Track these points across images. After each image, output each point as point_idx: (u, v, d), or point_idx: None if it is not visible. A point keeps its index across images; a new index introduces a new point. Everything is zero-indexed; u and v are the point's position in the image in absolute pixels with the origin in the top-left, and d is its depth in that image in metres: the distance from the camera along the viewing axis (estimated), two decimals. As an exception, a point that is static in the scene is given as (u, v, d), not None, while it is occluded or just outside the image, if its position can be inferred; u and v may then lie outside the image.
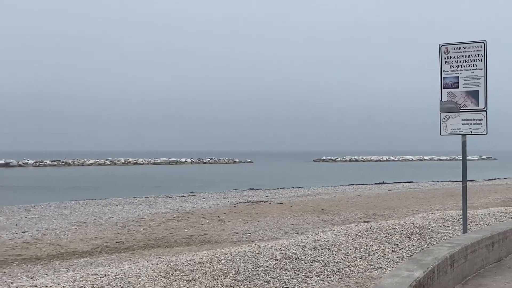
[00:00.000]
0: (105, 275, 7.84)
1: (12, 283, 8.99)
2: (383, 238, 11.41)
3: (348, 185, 42.17)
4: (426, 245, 11.28)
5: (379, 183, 44.94)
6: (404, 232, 11.99)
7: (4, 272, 11.41)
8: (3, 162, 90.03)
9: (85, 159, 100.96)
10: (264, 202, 26.63)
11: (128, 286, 7.49)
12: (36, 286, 7.36)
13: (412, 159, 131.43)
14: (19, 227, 18.92)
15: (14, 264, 12.50)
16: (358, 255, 10.14)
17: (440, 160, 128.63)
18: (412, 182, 45.17)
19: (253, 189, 38.47)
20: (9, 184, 49.04)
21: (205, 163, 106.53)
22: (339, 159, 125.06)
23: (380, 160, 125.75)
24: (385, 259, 10.20)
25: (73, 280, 7.59)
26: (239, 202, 26.88)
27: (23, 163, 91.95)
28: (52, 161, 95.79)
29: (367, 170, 79.48)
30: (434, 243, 11.26)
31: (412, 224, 12.66)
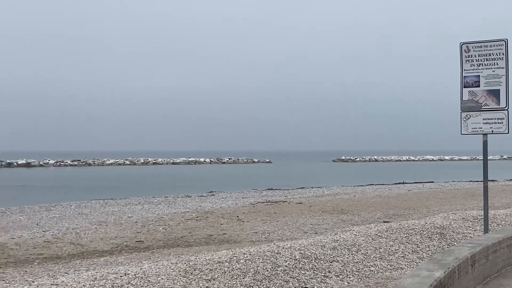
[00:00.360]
0: (125, 274, 7.88)
1: (33, 281, 9.08)
2: (403, 238, 11.34)
3: (368, 185, 41.97)
4: (446, 245, 11.19)
5: (399, 183, 44.66)
6: (425, 233, 11.90)
7: (26, 271, 11.52)
8: (25, 162, 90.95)
9: (105, 159, 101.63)
10: (283, 202, 26.60)
11: (147, 285, 7.52)
12: (57, 284, 7.42)
13: (433, 159, 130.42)
14: (40, 226, 19.09)
15: (35, 263, 12.61)
16: (377, 255, 10.09)
17: (460, 160, 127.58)
18: (433, 182, 44.83)
19: (272, 189, 38.44)
20: (30, 184, 49.54)
21: (223, 163, 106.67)
22: (358, 159, 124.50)
23: (400, 160, 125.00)
24: (405, 260, 10.14)
25: (94, 279, 7.64)
26: (258, 202, 26.88)
27: (44, 163, 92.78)
28: (72, 161, 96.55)
29: (387, 170, 79.06)
30: (455, 243, 11.16)
31: (432, 224, 12.56)
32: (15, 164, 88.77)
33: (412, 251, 10.72)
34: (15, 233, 17.45)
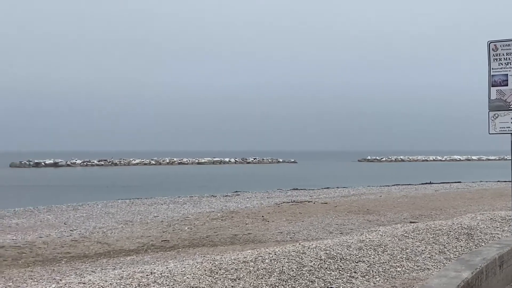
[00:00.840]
0: (151, 273, 7.94)
1: (60, 280, 9.18)
2: (430, 238, 11.25)
3: (394, 185, 41.67)
4: (474, 246, 11.07)
5: (426, 183, 44.26)
6: (452, 233, 11.79)
7: (53, 270, 11.66)
8: (52, 162, 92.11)
9: (131, 159, 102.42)
10: (308, 202, 26.53)
11: (173, 284, 7.56)
12: (84, 283, 7.49)
13: (460, 159, 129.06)
14: (68, 226, 19.31)
15: (63, 262, 12.76)
16: (404, 256, 10.02)
17: (488, 160, 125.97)
18: (460, 182, 44.34)
19: (297, 189, 38.38)
20: (58, 183, 50.17)
21: (248, 163, 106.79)
22: (384, 159, 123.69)
23: (427, 160, 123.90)
24: (432, 260, 10.05)
25: (120, 278, 7.71)
26: (283, 202, 26.85)
27: (71, 162, 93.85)
28: (99, 161, 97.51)
29: (413, 170, 78.42)
30: (483, 244, 11.03)
31: (460, 225, 12.44)
32: (43, 164, 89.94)
33: (439, 251, 10.62)
34: (43, 232, 17.68)
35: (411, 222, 15.99)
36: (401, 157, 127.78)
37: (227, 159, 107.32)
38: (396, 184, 42.24)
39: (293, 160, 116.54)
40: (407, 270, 9.33)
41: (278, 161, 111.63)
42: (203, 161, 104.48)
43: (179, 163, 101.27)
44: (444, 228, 12.07)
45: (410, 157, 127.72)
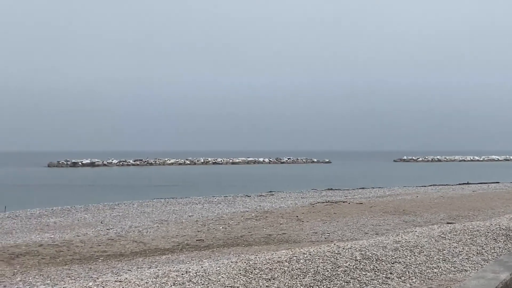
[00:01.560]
0: (186, 272, 7.98)
1: (97, 278, 9.31)
2: (468, 240, 11.07)
3: (430, 185, 41.17)
4: (513, 248, 10.85)
5: (463, 183, 43.61)
6: (490, 234, 11.59)
7: (90, 268, 11.82)
8: (89, 161, 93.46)
9: (166, 159, 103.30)
10: (343, 202, 26.38)
11: (208, 283, 7.59)
12: (120, 281, 7.57)
13: (498, 159, 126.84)
14: (104, 225, 19.56)
15: (100, 260, 12.92)
16: (441, 257, 9.88)
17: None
18: (498, 182, 43.58)
19: (331, 189, 38.21)
20: (95, 183, 50.89)
21: (283, 162, 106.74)
22: (420, 159, 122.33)
23: (464, 160, 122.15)
24: (469, 261, 9.89)
25: (156, 277, 7.76)
26: (318, 202, 26.75)
27: (107, 162, 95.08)
28: (134, 161, 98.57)
29: (450, 170, 77.35)
30: (522, 246, 10.81)
31: (498, 226, 12.22)
32: (80, 163, 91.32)
33: (477, 253, 10.45)
34: (80, 230, 17.95)
35: (448, 223, 15.78)
36: (438, 157, 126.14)
37: (261, 159, 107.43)
38: (433, 185, 41.72)
39: (327, 160, 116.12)
40: (444, 272, 9.20)
41: (312, 161, 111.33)
42: (237, 161, 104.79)
43: (214, 163, 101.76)
44: (482, 229, 11.88)
45: (447, 157, 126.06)
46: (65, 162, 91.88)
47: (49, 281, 10.34)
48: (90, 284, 7.57)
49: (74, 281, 9.98)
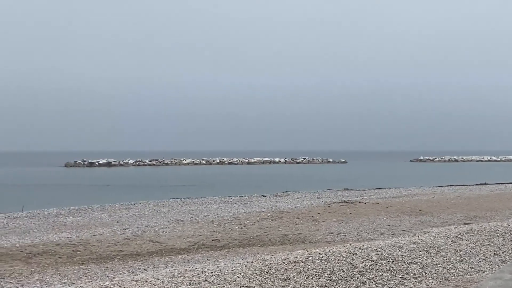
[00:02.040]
0: (202, 271, 8.00)
1: (114, 277, 9.37)
2: (485, 240, 11.00)
3: (447, 185, 40.90)
4: (531, 249, 10.76)
5: (480, 184, 43.26)
6: (507, 235, 11.49)
7: (107, 267, 11.89)
8: (106, 161, 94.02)
9: (182, 159, 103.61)
10: (359, 202, 26.29)
11: (224, 283, 7.60)
12: (136, 281, 7.61)
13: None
14: (121, 224, 19.66)
15: (116, 260, 12.99)
16: (457, 258, 9.82)
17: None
18: (516, 183, 43.20)
19: (347, 189, 38.09)
20: (111, 183, 51.17)
21: (298, 163, 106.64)
22: (437, 159, 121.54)
23: (482, 160, 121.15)
24: (486, 262, 9.82)
25: (172, 276, 7.79)
26: (333, 202, 26.69)
27: (124, 162, 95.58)
28: (151, 161, 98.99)
29: (467, 170, 76.80)
30: (541, 247, 10.71)
31: (516, 227, 12.10)
32: (96, 163, 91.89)
33: (494, 253, 10.37)
34: (96, 230, 18.06)
35: (465, 224, 15.67)
36: (455, 157, 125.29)
37: (276, 159, 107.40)
38: (450, 185, 41.45)
39: (343, 160, 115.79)
40: (460, 272, 9.14)
41: (328, 161, 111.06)
42: (253, 161, 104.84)
43: (229, 163, 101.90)
44: (499, 229, 11.79)
45: (464, 158, 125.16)
46: (82, 162, 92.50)
47: (66, 280, 10.42)
48: (107, 283, 7.61)
49: (90, 280, 10.05)
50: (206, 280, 7.64)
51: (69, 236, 16.76)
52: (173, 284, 7.48)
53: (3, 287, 10.03)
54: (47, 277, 10.81)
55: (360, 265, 8.76)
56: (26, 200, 30.39)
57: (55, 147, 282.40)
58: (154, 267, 11.48)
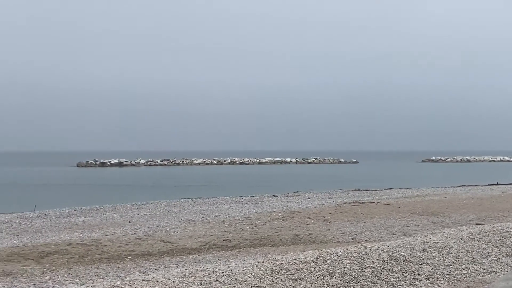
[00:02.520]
0: (213, 271, 8.01)
1: (125, 277, 9.40)
2: (497, 241, 10.93)
3: (459, 186, 40.68)
4: (544, 250, 10.68)
5: (493, 184, 42.99)
6: (520, 236, 11.41)
7: (118, 267, 11.93)
8: (117, 161, 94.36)
9: (193, 159, 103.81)
10: (370, 202, 26.22)
11: (235, 283, 7.61)
12: (148, 280, 7.64)
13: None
14: (132, 224, 19.72)
15: (127, 259, 13.04)
16: (469, 258, 9.77)
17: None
18: (529, 183, 42.91)
19: (358, 190, 37.98)
20: (123, 183, 51.37)
21: (309, 163, 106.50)
22: (449, 159, 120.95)
23: (494, 161, 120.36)
24: (498, 263, 9.76)
25: (183, 276, 7.81)
26: (345, 202, 26.63)
27: (135, 162, 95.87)
28: (162, 161, 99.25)
29: (480, 170, 76.38)
30: (554, 248, 10.64)
31: (528, 227, 12.03)
32: (108, 163, 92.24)
33: (506, 254, 10.31)
34: (108, 230, 18.13)
35: (477, 224, 15.58)
36: (467, 157, 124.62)
37: (288, 159, 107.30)
38: (462, 185, 41.23)
39: (354, 160, 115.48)
40: (472, 273, 9.10)
41: (340, 161, 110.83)
42: (264, 161, 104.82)
43: (241, 163, 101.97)
44: (511, 230, 11.71)
45: (476, 158, 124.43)
46: (93, 162, 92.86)
47: (77, 280, 10.47)
48: (118, 283, 7.64)
49: (102, 279, 10.09)
50: (217, 280, 7.65)
51: (81, 235, 16.84)
52: (184, 284, 7.50)
53: (15, 287, 10.10)
54: (59, 277, 10.86)
55: (371, 265, 8.74)
56: (38, 200, 30.58)
57: (68, 147, 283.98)
58: (165, 267, 11.51)
